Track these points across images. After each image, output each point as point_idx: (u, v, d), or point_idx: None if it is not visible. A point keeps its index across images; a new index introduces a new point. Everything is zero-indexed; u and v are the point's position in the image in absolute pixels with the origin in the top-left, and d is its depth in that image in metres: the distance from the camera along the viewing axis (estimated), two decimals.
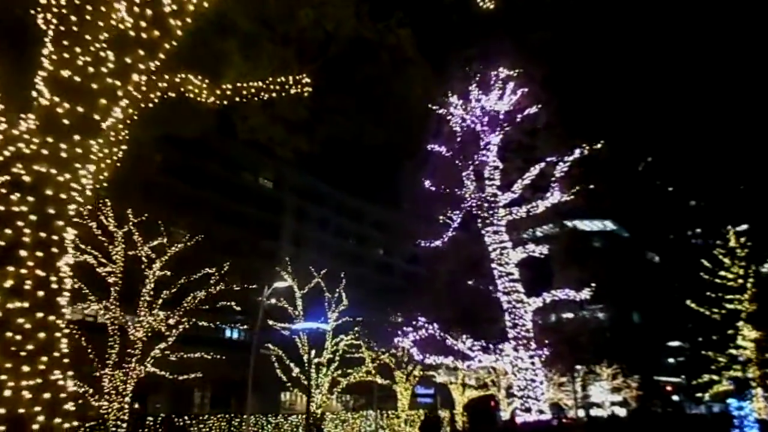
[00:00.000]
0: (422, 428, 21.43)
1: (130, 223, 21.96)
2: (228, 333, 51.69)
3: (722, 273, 36.13)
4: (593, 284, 20.55)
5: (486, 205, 21.87)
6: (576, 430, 23.13)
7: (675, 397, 78.08)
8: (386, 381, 41.05)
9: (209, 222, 41.20)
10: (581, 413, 70.76)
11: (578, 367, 63.64)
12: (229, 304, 24.53)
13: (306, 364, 31.67)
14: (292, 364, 31.11)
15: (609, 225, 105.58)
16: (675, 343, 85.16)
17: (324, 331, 27.70)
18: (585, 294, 20.62)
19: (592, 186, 21.31)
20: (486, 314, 22.29)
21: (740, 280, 35.51)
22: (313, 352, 31.51)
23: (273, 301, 27.75)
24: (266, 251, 50.45)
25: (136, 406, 37.01)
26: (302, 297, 29.77)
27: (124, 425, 21.58)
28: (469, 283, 22.98)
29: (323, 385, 31.81)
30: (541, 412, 19.43)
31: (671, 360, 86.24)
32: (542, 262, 23.49)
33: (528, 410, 19.52)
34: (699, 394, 48.15)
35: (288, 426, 30.12)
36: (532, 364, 20.11)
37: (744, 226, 41.36)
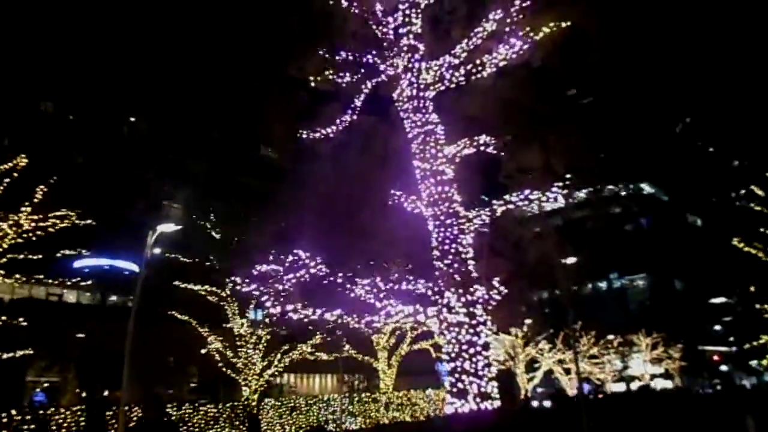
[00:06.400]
0: None
1: None
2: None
3: None
4: (569, 175, 11.48)
5: (399, 63, 13.01)
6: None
7: (723, 368, 67.19)
8: (367, 357, 32.69)
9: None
10: (621, 387, 61.72)
11: (611, 336, 54.44)
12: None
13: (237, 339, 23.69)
14: (212, 337, 23.08)
15: (646, 188, 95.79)
16: (721, 300, 73.63)
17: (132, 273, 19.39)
18: (556, 193, 11.66)
19: (567, 23, 12.12)
20: (377, 227, 13.72)
21: None
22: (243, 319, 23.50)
23: (158, 251, 19.65)
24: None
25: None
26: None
27: None
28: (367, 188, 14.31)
29: (256, 364, 23.62)
30: (485, 397, 10.69)
31: (718, 327, 74.92)
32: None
33: (462, 394, 10.78)
34: (754, 362, 37.77)
35: (198, 418, 21.99)
36: (470, 315, 11.34)
37: None
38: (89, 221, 15.64)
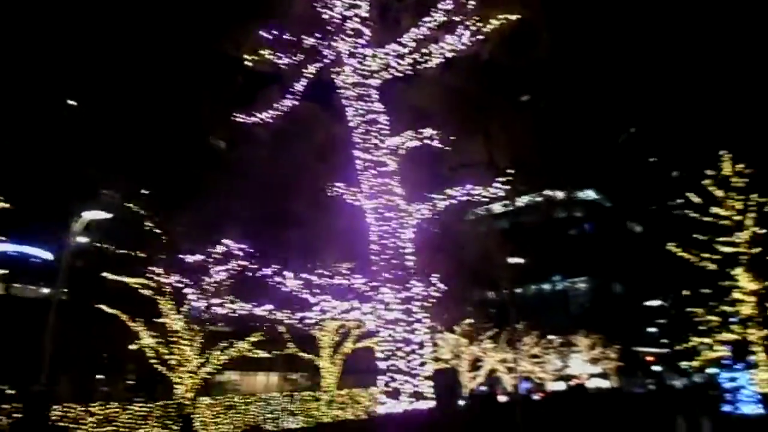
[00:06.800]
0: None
1: None
2: None
3: (714, 210, 26.97)
4: (510, 170, 11.17)
5: (343, 48, 12.38)
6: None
7: (656, 368, 69.80)
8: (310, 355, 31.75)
9: None
10: (561, 386, 63.09)
11: (551, 337, 55.66)
12: None
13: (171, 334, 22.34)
14: (144, 332, 21.66)
15: (591, 194, 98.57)
16: (656, 303, 76.48)
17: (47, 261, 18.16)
18: (498, 188, 11.36)
19: (515, 16, 11.86)
20: (314, 218, 13.16)
21: (738, 217, 26.39)
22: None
23: (86, 240, 18.28)
24: None
25: None
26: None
27: None
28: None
29: (191, 361, 22.38)
30: (418, 396, 10.26)
31: (652, 329, 77.89)
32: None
33: (395, 394, 10.31)
34: (684, 363, 39.02)
35: (127, 416, 20.48)
36: (406, 312, 10.90)
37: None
38: (6, 206, 14.27)
